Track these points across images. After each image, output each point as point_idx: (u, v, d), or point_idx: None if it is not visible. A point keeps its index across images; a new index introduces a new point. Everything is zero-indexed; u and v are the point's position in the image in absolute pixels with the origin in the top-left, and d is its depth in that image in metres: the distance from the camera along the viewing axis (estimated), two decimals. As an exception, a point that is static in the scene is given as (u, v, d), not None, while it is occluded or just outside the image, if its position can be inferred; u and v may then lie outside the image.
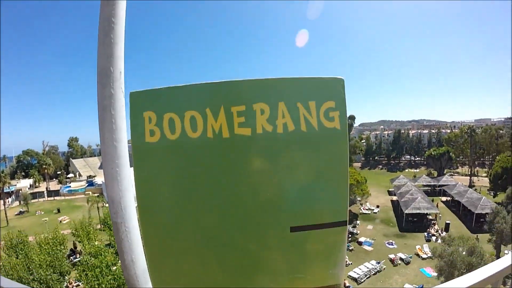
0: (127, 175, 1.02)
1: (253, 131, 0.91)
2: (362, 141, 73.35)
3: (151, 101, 0.93)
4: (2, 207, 36.47)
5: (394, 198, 38.66)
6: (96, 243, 22.52)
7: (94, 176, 55.88)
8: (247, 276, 0.93)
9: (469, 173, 53.99)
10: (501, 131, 60.39)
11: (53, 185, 52.29)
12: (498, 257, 22.70)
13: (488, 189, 41.27)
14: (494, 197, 37.84)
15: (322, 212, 0.91)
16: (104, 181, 1.02)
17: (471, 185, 45.86)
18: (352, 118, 62.48)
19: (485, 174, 52.74)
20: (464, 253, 18.66)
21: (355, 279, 21.51)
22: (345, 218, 0.91)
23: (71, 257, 23.44)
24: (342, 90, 0.94)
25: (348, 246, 26.31)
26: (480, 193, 35.95)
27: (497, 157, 45.60)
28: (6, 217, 35.65)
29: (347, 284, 21.61)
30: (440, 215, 32.10)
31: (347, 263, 23.70)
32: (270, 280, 0.93)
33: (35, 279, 13.76)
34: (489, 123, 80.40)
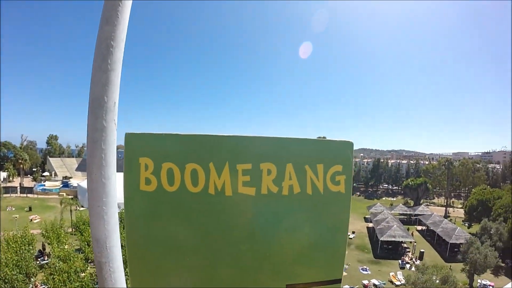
0: (114, 214, 0.94)
1: (258, 191, 0.88)
2: None
3: (149, 146, 0.88)
4: (-30, 198, 34.64)
5: (370, 225, 39.26)
6: (66, 247, 21.61)
7: (70, 178, 54.34)
8: None
9: (445, 203, 55.39)
10: (477, 165, 62.82)
11: (27, 182, 50.22)
12: (471, 286, 23.35)
13: (463, 220, 42.49)
14: (468, 228, 39.11)
15: (318, 270, 0.92)
16: (89, 218, 0.95)
17: (446, 216, 47.28)
18: None
19: (460, 206, 54.39)
20: (437, 281, 19.09)
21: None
22: (340, 276, 0.92)
23: (39, 259, 22.40)
24: (350, 154, 0.93)
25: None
26: (455, 223, 37.11)
27: (473, 189, 47.31)
28: (-27, 209, 33.80)
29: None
30: (415, 243, 32.80)
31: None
32: None
33: (0, 277, 13.10)
34: (466, 156, 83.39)
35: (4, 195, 40.42)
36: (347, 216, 0.93)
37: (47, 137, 65.61)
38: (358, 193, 69.33)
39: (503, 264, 26.54)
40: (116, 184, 0.95)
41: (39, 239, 24.78)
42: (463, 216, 43.40)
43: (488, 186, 46.71)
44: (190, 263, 0.88)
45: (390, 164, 76.72)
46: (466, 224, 40.67)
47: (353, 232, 37.38)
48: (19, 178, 49.95)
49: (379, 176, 72.53)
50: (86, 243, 21.39)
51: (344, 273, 24.71)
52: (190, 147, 0.88)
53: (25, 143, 59.27)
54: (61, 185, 49.75)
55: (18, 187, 45.48)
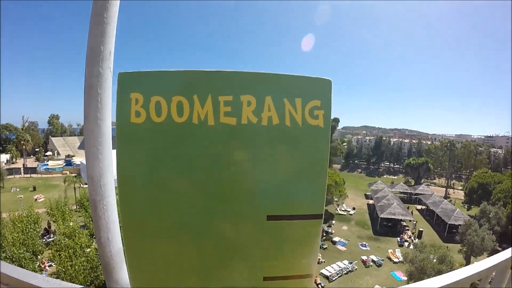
0: (108, 154, 1.01)
1: (238, 121, 0.93)
2: (344, 144, 74.35)
3: (139, 83, 0.93)
4: (-25, 181, 34.97)
5: (371, 202, 39.60)
6: (71, 224, 22.08)
7: (73, 156, 54.44)
8: (222, 261, 0.95)
9: (446, 184, 55.73)
10: (480, 148, 62.67)
11: (30, 162, 50.49)
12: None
13: (462, 202, 42.72)
14: (467, 210, 39.36)
15: (299, 204, 0.94)
16: (85, 158, 1.00)
17: (446, 197, 47.61)
18: (336, 120, 63.35)
19: (461, 188, 54.55)
20: (434, 260, 19.47)
21: (326, 277, 22.06)
22: (321, 211, 0.94)
23: (45, 237, 22.95)
24: (329, 91, 0.95)
25: (322, 245, 26.91)
26: (454, 205, 37.33)
27: (474, 172, 47.37)
28: (-21, 193, 34.30)
29: (319, 281, 22.20)
30: (414, 222, 33.26)
31: (320, 260, 24.22)
32: (245, 266, 0.96)
33: (7, 257, 13.45)
34: (469, 139, 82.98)
35: (8, 177, 40.86)
36: (326, 150, 0.94)
37: (49, 117, 65.26)
38: (359, 170, 69.75)
39: (499, 248, 26.70)
40: (110, 127, 1.03)
41: (44, 217, 25.30)
42: (463, 198, 43.52)
43: (490, 170, 46.66)
44: (174, 188, 0.93)
45: (392, 143, 76.33)
46: (466, 206, 40.90)
47: (354, 209, 37.87)
48: (22, 159, 50.31)
49: (381, 154, 72.44)
50: (90, 219, 21.83)
51: (344, 248, 25.50)
52: (176, 82, 0.94)
53: (26, 124, 59.10)
54: (64, 164, 49.92)
55: (22, 168, 45.82)
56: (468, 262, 23.91)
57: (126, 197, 0.94)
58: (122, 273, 1.09)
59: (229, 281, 0.96)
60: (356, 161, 74.88)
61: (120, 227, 1.01)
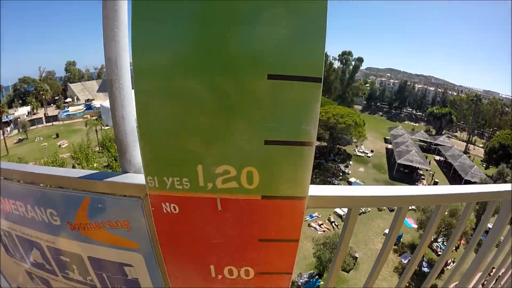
0: (125, 36, 1.06)
1: None
2: (367, 85, 71.73)
3: None
4: (2, 137, 36.57)
5: (389, 146, 39.21)
6: (95, 165, 23.22)
7: (92, 100, 55.63)
8: (224, 121, 0.94)
9: (467, 139, 54.23)
10: (507, 108, 58.99)
11: (51, 111, 52.06)
12: (476, 225, 23.79)
13: (481, 160, 41.32)
14: (485, 168, 37.98)
15: (298, 64, 0.90)
16: (103, 40, 1.05)
17: (466, 151, 46.33)
18: (360, 60, 61.28)
19: (482, 145, 52.59)
20: (446, 213, 19.52)
21: (340, 216, 22.76)
22: (320, 75, 0.91)
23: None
24: None
25: (338, 184, 27.50)
26: (473, 161, 36.47)
27: (497, 132, 45.28)
28: (6, 146, 36.01)
29: (332, 219, 22.95)
30: (431, 172, 32.91)
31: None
32: (246, 127, 0.94)
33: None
34: (496, 96, 78.06)
35: (31, 128, 42.22)
36: (324, 13, 0.87)
37: (65, 64, 65.34)
38: (380, 113, 67.92)
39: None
40: (127, 11, 1.06)
41: (69, 162, 26.72)
42: (482, 156, 42.14)
43: None
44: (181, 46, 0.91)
45: (416, 89, 72.78)
46: (484, 165, 39.34)
47: (372, 151, 37.82)
48: (43, 109, 51.83)
49: (404, 99, 69.77)
50: (113, 159, 22.79)
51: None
52: None
53: (43, 74, 59.53)
54: (85, 108, 51.18)
55: (43, 118, 47.34)
56: (478, 220, 23.84)
57: (140, 73, 0.91)
58: (135, 152, 1.16)
59: (232, 141, 0.95)
60: (378, 104, 72.19)
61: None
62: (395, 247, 20.94)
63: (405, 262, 19.23)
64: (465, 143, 52.53)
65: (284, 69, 0.90)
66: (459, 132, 61.88)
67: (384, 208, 24.72)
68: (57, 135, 39.84)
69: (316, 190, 1.09)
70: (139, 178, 1.10)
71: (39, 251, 1.37)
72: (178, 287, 1.22)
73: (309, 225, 22.16)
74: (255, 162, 0.97)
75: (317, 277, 18.47)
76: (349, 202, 1.20)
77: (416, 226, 21.67)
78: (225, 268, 1.15)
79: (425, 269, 18.48)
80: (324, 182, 28.15)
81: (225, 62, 0.90)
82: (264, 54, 0.90)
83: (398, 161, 31.25)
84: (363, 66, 69.04)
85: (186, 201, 1.02)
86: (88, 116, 45.14)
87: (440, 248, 20.49)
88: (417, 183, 30.30)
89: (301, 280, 17.79)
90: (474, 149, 51.90)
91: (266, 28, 0.89)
